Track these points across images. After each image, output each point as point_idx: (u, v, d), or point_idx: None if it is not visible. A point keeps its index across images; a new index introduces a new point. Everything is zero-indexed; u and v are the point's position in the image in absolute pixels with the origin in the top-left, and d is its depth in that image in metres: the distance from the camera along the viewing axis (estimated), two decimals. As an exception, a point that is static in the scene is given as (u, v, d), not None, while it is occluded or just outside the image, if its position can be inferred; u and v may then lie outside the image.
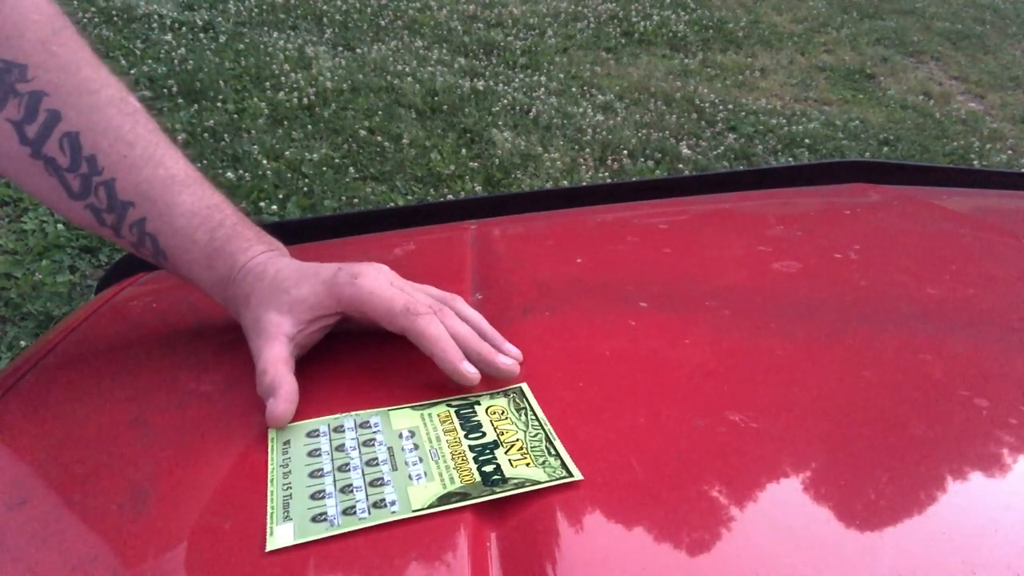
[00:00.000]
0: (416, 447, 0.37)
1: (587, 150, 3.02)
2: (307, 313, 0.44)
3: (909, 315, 0.50)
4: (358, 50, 3.65)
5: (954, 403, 0.40)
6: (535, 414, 0.39)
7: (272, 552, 0.31)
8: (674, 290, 0.54)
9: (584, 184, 2.33)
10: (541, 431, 0.38)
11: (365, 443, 0.38)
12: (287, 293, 0.44)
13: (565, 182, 2.76)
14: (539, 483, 0.34)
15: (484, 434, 0.38)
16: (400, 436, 0.38)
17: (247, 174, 2.48)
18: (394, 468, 0.36)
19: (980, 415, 0.39)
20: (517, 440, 0.37)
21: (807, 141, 3.33)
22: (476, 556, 0.31)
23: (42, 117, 0.43)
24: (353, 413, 0.40)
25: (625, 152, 3.03)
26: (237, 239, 0.47)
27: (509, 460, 0.36)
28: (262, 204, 2.35)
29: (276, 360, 0.41)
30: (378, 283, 0.44)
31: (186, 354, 0.48)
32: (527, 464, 0.35)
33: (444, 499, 0.34)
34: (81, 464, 0.37)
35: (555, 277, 0.56)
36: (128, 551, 0.31)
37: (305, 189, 2.45)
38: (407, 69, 3.47)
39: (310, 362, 0.45)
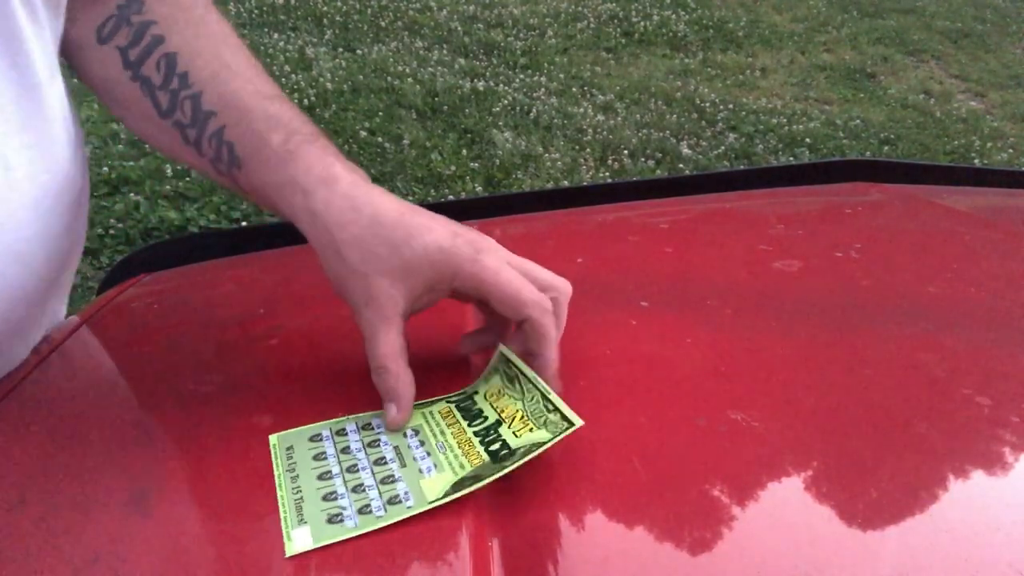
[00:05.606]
0: (422, 443, 0.37)
1: (587, 150, 3.02)
2: (421, 285, 0.39)
3: (910, 313, 0.50)
4: (358, 51, 3.65)
5: (956, 401, 0.40)
6: (525, 375, 0.38)
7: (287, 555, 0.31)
8: (675, 289, 0.54)
9: (584, 184, 2.33)
10: (535, 391, 0.37)
11: (370, 444, 0.38)
12: (398, 254, 0.38)
13: (566, 182, 2.76)
14: (544, 443, 0.34)
15: (486, 418, 0.38)
16: (405, 435, 0.38)
17: (248, 175, 2.48)
18: (403, 465, 0.36)
19: (982, 413, 0.39)
20: (517, 411, 0.37)
21: (808, 140, 3.33)
22: (478, 557, 0.31)
23: (146, 40, 0.44)
24: (354, 416, 0.40)
25: (625, 152, 3.03)
26: (317, 149, 0.42)
27: (513, 432, 0.36)
28: (263, 205, 2.35)
29: (395, 355, 0.39)
30: (502, 263, 0.40)
31: (187, 355, 0.48)
32: (530, 430, 0.35)
33: (458, 485, 0.33)
34: (82, 465, 0.37)
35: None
36: (129, 552, 0.31)
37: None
38: (407, 70, 3.48)
39: (305, 363, 0.45)
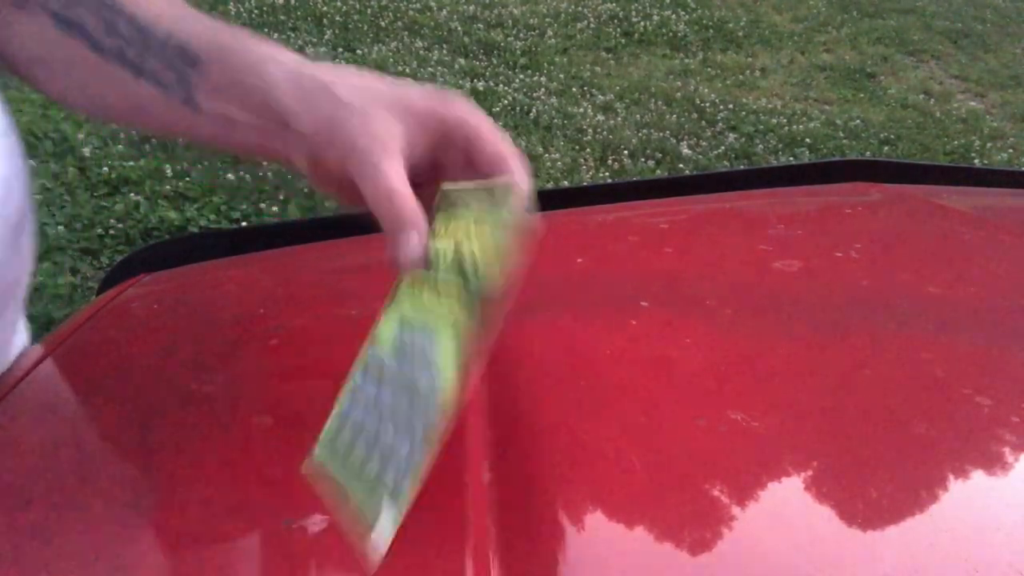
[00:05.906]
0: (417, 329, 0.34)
1: (587, 150, 3.02)
2: (417, 126, 0.36)
3: (910, 313, 0.50)
4: (358, 51, 3.65)
5: (956, 401, 0.40)
6: (465, 189, 0.36)
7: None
8: (675, 289, 0.54)
9: (584, 184, 2.33)
10: (479, 188, 0.36)
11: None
12: (397, 89, 0.36)
13: (565, 182, 2.76)
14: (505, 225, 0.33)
15: (445, 254, 0.34)
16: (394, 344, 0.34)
17: (248, 175, 2.48)
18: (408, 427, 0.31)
19: (982, 413, 0.39)
20: (469, 224, 0.35)
21: (808, 140, 3.33)
22: (479, 557, 0.31)
23: (104, 13, 0.40)
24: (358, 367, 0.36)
25: (625, 152, 3.03)
26: (289, 51, 0.39)
27: (474, 249, 0.34)
28: (263, 205, 2.35)
29: (403, 180, 0.35)
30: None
31: (187, 355, 0.48)
32: (485, 233, 0.34)
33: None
34: (83, 465, 0.37)
35: (555, 277, 0.56)
36: (130, 552, 0.31)
37: (306, 191, 2.45)
38: (407, 70, 3.48)
39: (305, 364, 0.45)
